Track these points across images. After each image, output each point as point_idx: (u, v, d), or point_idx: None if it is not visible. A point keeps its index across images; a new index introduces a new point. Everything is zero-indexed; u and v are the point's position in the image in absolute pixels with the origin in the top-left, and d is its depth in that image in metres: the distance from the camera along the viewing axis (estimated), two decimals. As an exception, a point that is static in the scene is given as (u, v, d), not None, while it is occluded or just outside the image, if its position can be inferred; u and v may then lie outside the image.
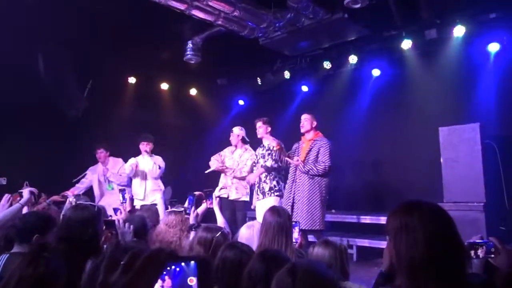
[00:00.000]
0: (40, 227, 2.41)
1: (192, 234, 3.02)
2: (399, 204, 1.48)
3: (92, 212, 2.37)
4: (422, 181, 5.94)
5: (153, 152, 5.85)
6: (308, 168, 4.68)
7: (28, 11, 4.78)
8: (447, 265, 1.33)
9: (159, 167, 5.75)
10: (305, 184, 4.70)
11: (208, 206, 3.77)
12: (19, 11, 4.73)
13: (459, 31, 5.47)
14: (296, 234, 3.00)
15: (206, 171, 5.57)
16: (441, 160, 5.19)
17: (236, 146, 5.68)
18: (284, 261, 1.74)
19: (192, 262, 0.76)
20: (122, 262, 0.67)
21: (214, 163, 5.64)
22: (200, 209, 3.89)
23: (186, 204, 3.75)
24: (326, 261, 2.15)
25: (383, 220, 5.68)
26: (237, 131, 5.65)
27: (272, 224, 2.64)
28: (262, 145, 5.30)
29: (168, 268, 0.73)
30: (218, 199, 3.77)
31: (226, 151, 5.79)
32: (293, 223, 2.93)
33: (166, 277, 0.74)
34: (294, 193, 4.79)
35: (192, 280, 0.74)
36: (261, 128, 5.23)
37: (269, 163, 5.06)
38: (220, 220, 3.60)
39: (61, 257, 1.85)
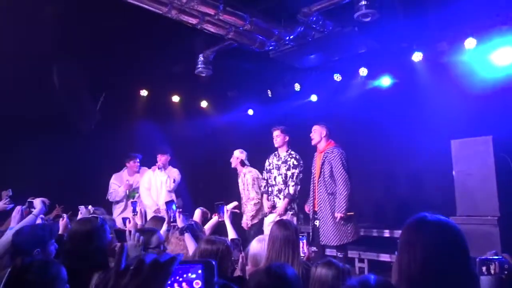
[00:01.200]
0: (39, 240, 2.39)
1: (187, 236, 3.01)
2: (410, 219, 1.53)
3: (95, 225, 2.32)
4: (434, 194, 5.87)
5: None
6: (337, 199, 4.63)
7: (42, 26, 4.88)
8: (443, 283, 1.36)
9: (174, 181, 5.78)
10: (326, 200, 4.65)
11: (219, 219, 3.77)
12: (33, 26, 4.84)
13: (470, 43, 5.44)
14: (303, 247, 2.98)
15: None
16: (454, 173, 5.14)
17: (236, 168, 5.72)
18: (290, 275, 1.73)
19: (198, 265, 0.78)
20: (131, 267, 0.70)
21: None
22: (210, 223, 3.90)
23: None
24: (329, 282, 2.14)
25: (395, 234, 5.63)
26: (237, 154, 5.68)
27: (278, 237, 2.66)
28: (276, 154, 5.23)
29: (175, 271, 0.76)
30: (229, 212, 3.77)
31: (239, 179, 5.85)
32: (300, 236, 2.92)
33: (173, 281, 0.76)
34: (316, 212, 4.76)
35: (198, 283, 0.76)
36: (279, 137, 5.17)
37: (292, 189, 4.97)
38: (231, 233, 3.59)
39: (67, 271, 1.83)
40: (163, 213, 4.25)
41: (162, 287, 0.70)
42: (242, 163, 5.69)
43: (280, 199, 5.02)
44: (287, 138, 5.19)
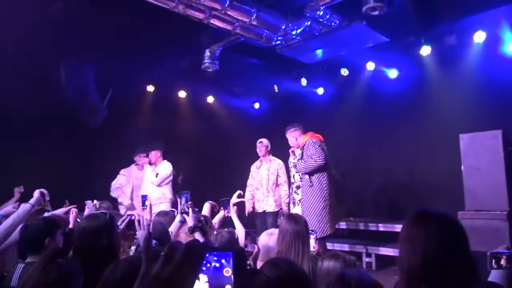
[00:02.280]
0: (48, 230, 2.40)
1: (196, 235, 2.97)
2: (410, 214, 1.55)
3: (104, 220, 2.29)
4: (443, 189, 5.84)
5: (169, 159, 5.97)
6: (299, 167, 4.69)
7: (49, 23, 4.90)
8: (443, 279, 1.37)
9: (156, 175, 5.80)
10: (307, 192, 4.66)
11: (226, 215, 3.77)
12: (41, 24, 4.85)
13: (479, 36, 5.39)
14: (313, 242, 2.97)
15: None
16: (462, 168, 5.11)
17: (263, 157, 5.79)
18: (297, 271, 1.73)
19: (228, 253, 0.78)
20: (162, 254, 0.69)
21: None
22: (218, 217, 3.90)
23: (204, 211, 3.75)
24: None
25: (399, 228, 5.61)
26: (266, 142, 5.81)
27: (288, 231, 2.65)
28: (293, 153, 5.30)
29: (206, 259, 0.76)
30: (235, 207, 3.76)
31: (253, 168, 5.90)
32: (310, 231, 2.91)
33: (204, 269, 0.76)
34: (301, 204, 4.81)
35: (228, 271, 0.77)
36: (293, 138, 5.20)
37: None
38: (239, 228, 3.58)
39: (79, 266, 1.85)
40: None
41: (195, 274, 0.70)
42: (269, 152, 5.81)
43: (298, 194, 5.10)
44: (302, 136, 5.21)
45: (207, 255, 0.76)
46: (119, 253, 2.36)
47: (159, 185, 5.83)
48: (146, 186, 5.88)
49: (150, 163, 5.96)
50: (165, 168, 5.92)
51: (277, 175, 5.67)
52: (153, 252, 0.71)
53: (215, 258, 0.78)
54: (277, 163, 5.74)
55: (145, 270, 0.68)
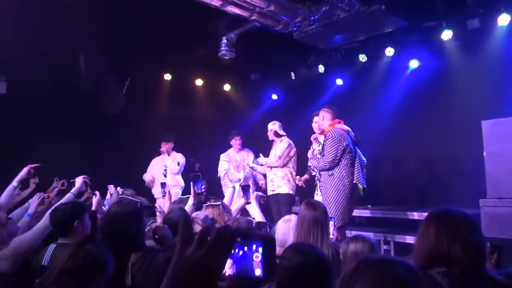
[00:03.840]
0: (76, 213, 2.46)
1: None
2: (431, 210, 1.67)
3: (135, 207, 2.37)
4: (464, 176, 5.75)
5: (186, 147, 6.02)
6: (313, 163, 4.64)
7: (67, 12, 4.94)
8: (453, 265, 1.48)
9: (178, 163, 6.03)
10: (326, 181, 4.58)
11: (246, 202, 3.78)
12: (58, 12, 4.90)
13: (504, 19, 5.22)
14: (332, 229, 2.96)
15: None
16: (484, 155, 5.00)
17: (273, 140, 5.69)
18: (319, 255, 1.73)
19: (257, 239, 0.81)
20: (196, 237, 0.73)
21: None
22: (238, 205, 3.92)
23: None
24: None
25: (422, 216, 5.55)
26: (270, 126, 5.68)
27: (307, 218, 2.64)
28: (316, 140, 5.15)
29: (236, 244, 0.79)
30: (255, 194, 3.77)
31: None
32: (329, 218, 2.90)
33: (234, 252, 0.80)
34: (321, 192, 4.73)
35: (258, 257, 0.80)
36: (316, 124, 5.02)
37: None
38: (258, 215, 3.59)
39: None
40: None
41: (225, 258, 0.74)
42: (277, 134, 5.64)
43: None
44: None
45: (238, 239, 0.79)
46: (144, 239, 2.40)
47: (177, 173, 6.07)
48: (161, 174, 6.11)
49: (163, 153, 6.18)
50: (182, 157, 6.17)
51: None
52: (188, 235, 0.74)
53: (245, 244, 0.81)
54: (285, 140, 5.62)
55: (180, 251, 0.71)
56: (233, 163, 6.05)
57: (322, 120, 4.73)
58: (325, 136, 4.59)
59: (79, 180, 3.20)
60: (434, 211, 1.65)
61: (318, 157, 4.67)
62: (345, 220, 4.54)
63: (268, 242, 0.81)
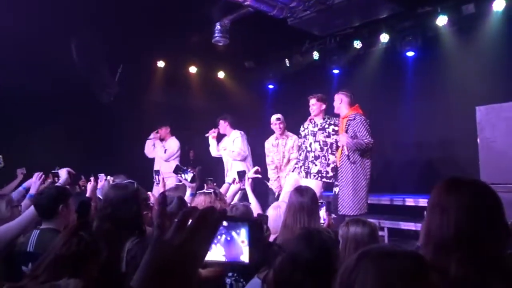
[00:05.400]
0: (61, 197, 2.44)
1: None
2: (442, 181, 1.43)
3: (133, 189, 2.36)
4: (458, 161, 5.78)
5: (180, 135, 5.99)
6: (349, 145, 4.40)
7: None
8: (476, 251, 1.27)
9: (165, 151, 5.95)
10: (347, 168, 4.53)
11: (241, 187, 3.77)
12: (49, 0, 4.81)
13: (499, 5, 5.20)
14: (323, 214, 2.95)
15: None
16: (478, 140, 5.02)
17: (281, 135, 5.49)
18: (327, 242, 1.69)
19: (244, 223, 0.74)
20: (175, 220, 0.66)
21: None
22: (232, 190, 3.91)
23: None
24: (366, 239, 2.12)
25: (416, 202, 5.59)
26: (282, 118, 5.44)
27: (294, 204, 2.64)
28: (312, 120, 4.95)
29: (221, 227, 0.73)
30: (250, 180, 3.76)
31: (268, 145, 5.60)
32: (320, 203, 2.89)
33: (219, 237, 0.74)
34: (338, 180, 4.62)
35: (244, 241, 0.74)
36: (315, 106, 4.89)
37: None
38: (253, 202, 3.58)
39: (103, 237, 1.87)
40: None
41: (208, 244, 0.66)
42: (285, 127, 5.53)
43: (316, 165, 4.90)
44: (324, 106, 4.92)
45: (224, 223, 0.73)
46: (144, 223, 2.39)
47: (167, 160, 5.94)
48: (158, 161, 6.03)
49: (160, 139, 6.08)
50: (173, 144, 6.06)
51: (290, 152, 5.49)
52: (168, 217, 0.67)
53: (230, 228, 0.75)
54: (293, 139, 5.44)
55: (157, 236, 0.65)
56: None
57: (340, 104, 4.61)
58: (352, 120, 4.48)
59: (63, 173, 3.19)
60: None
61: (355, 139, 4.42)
62: (363, 209, 4.48)
63: (255, 226, 0.76)
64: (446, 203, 1.36)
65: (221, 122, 5.76)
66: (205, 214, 0.66)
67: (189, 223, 0.65)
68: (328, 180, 4.82)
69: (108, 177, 4.28)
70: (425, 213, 1.45)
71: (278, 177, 5.52)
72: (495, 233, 1.31)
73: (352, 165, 4.47)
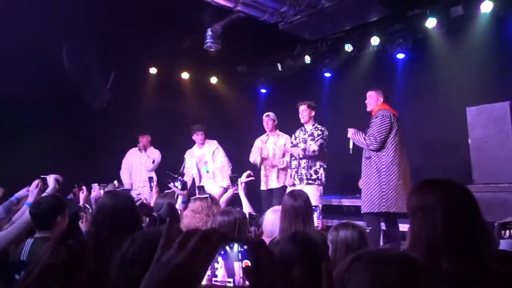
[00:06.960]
0: (59, 207, 2.43)
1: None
2: (419, 183, 1.47)
3: (127, 196, 2.35)
4: (450, 162, 5.80)
5: (173, 142, 5.95)
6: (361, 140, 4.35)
7: (50, 4, 4.83)
8: (464, 246, 1.30)
9: (153, 161, 6.02)
10: (364, 165, 4.47)
11: (234, 192, 3.77)
12: (41, 4, 4.79)
13: (486, 6, 5.27)
14: (316, 218, 2.94)
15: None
16: (469, 141, 5.06)
17: (270, 131, 5.61)
18: (316, 242, 1.70)
19: (246, 244, 0.72)
20: (176, 240, 0.66)
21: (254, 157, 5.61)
22: (226, 195, 3.91)
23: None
24: (356, 243, 2.12)
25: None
26: (274, 116, 5.58)
27: (288, 208, 2.64)
28: (303, 128, 5.11)
29: (222, 250, 0.72)
30: (243, 184, 3.77)
31: (258, 142, 5.69)
32: (313, 207, 2.90)
33: (220, 259, 0.72)
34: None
35: (247, 264, 0.72)
36: (305, 112, 5.04)
37: (313, 147, 4.81)
38: (246, 206, 3.59)
39: (100, 244, 1.86)
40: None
41: (206, 265, 0.67)
42: (276, 126, 5.64)
43: (309, 171, 4.91)
44: (313, 113, 5.06)
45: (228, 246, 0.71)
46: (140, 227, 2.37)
47: (151, 170, 6.00)
48: (137, 170, 6.11)
49: (139, 149, 6.16)
50: (157, 154, 6.14)
51: (284, 151, 5.51)
52: (174, 237, 0.67)
53: (232, 249, 0.73)
54: (284, 138, 5.54)
55: (158, 256, 0.65)
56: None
57: (369, 99, 4.57)
58: (375, 116, 4.40)
59: (51, 180, 3.13)
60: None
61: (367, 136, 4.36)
62: (392, 208, 4.25)
63: (258, 249, 0.73)
64: (426, 204, 1.38)
65: (200, 132, 5.88)
66: (207, 234, 0.66)
67: (190, 243, 0.65)
68: (319, 182, 4.88)
69: (101, 191, 4.23)
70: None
71: (266, 176, 5.55)
72: (475, 229, 1.35)
73: (366, 160, 4.43)
